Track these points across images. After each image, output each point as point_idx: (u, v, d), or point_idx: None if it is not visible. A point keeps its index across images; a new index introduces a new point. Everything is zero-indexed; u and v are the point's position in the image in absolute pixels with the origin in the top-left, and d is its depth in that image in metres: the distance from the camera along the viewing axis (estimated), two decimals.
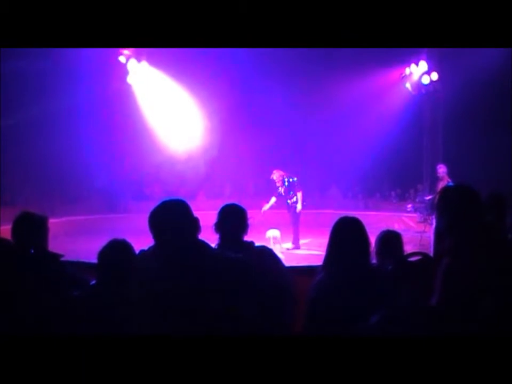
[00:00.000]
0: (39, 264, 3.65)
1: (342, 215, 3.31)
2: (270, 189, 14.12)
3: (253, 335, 2.53)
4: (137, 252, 3.55)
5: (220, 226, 3.57)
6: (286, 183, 11.31)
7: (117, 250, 3.23)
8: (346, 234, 3.17)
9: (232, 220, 3.59)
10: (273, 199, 11.34)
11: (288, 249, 11.17)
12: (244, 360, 2.39)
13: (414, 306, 3.01)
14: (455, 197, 3.07)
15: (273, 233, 10.98)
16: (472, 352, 2.38)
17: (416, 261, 3.94)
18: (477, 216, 3.02)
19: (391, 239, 3.99)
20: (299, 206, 11.24)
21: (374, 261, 3.80)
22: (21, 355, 2.54)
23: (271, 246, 10.38)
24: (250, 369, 2.39)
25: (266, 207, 11.35)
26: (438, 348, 2.38)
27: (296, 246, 11.38)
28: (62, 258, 3.92)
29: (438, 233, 3.87)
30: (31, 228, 3.78)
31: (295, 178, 11.40)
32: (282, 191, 11.35)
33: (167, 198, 2.82)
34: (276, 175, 11.43)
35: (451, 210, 3.05)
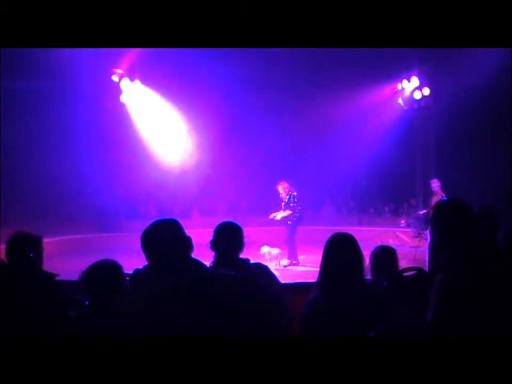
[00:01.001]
0: (33, 284, 3.63)
1: (335, 232, 3.30)
2: (264, 205, 14.10)
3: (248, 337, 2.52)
4: (132, 270, 3.55)
5: (216, 244, 3.57)
6: (288, 197, 11.33)
7: (104, 272, 3.18)
8: (339, 251, 3.15)
9: (228, 238, 3.58)
10: (287, 212, 11.29)
11: (285, 266, 11.07)
12: (237, 363, 2.38)
13: (410, 322, 3.02)
14: (449, 212, 3.09)
15: (267, 249, 10.96)
16: (465, 356, 2.39)
17: (411, 276, 3.94)
18: (470, 230, 3.03)
19: (385, 255, 3.99)
20: (278, 216, 11.35)
21: (368, 276, 3.80)
22: (20, 358, 2.53)
23: (266, 262, 10.44)
24: (243, 372, 2.38)
25: (279, 216, 11.37)
26: (432, 350, 2.39)
27: (291, 262, 11.27)
28: (57, 278, 3.90)
29: (433, 248, 3.87)
30: (26, 247, 3.76)
31: (295, 193, 11.41)
32: (284, 204, 11.39)
33: (159, 218, 2.84)
34: (282, 188, 11.48)
35: (445, 225, 3.07)
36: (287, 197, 11.33)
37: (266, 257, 10.70)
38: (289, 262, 11.27)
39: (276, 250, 11.11)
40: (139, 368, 2.41)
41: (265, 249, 10.94)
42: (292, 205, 11.25)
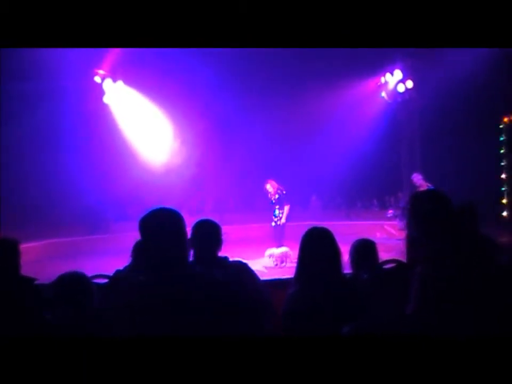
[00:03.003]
0: (11, 289, 3.60)
1: (311, 226, 3.28)
2: (251, 203, 14.09)
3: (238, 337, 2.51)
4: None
5: (194, 242, 3.54)
6: (277, 196, 11.31)
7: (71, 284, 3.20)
8: (315, 245, 3.15)
9: (206, 235, 3.56)
10: (286, 208, 11.22)
11: (276, 264, 10.82)
12: (221, 363, 2.37)
13: (390, 314, 3.01)
14: (425, 203, 3.04)
15: (272, 251, 10.82)
16: (453, 354, 2.38)
17: (390, 269, 3.95)
18: (448, 221, 2.97)
19: (365, 248, 3.99)
20: (283, 219, 11.20)
21: (349, 270, 3.80)
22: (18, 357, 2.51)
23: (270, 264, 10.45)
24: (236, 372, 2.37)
25: (283, 219, 11.23)
26: (415, 346, 2.38)
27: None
28: (38, 282, 3.87)
29: (411, 241, 3.85)
30: (2, 252, 3.73)
31: (284, 192, 11.39)
32: (273, 201, 11.36)
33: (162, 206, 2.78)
34: (271, 187, 11.42)
35: (422, 217, 3.01)
36: (276, 195, 11.32)
37: (272, 259, 10.62)
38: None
39: (279, 251, 10.88)
40: (116, 369, 2.39)
41: (269, 252, 10.82)
42: (277, 206, 11.26)
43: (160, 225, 2.66)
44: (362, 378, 2.42)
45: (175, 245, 2.62)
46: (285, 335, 3.10)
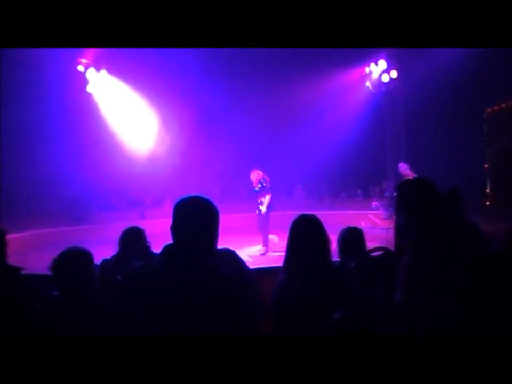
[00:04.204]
0: None
1: (300, 214, 3.30)
2: (236, 193, 14.05)
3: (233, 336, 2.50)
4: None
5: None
6: (260, 185, 11.34)
7: (73, 258, 3.21)
8: (304, 233, 3.15)
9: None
10: (267, 198, 11.28)
11: (262, 254, 11.08)
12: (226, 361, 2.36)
13: (378, 302, 3.03)
14: (412, 191, 3.07)
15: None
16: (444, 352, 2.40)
17: (378, 256, 3.96)
18: (435, 208, 3.00)
19: (352, 236, 4.02)
20: (263, 209, 11.25)
21: (337, 258, 3.82)
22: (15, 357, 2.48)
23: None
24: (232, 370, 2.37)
25: (264, 208, 11.29)
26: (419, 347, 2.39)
27: (266, 249, 11.29)
28: (24, 272, 3.85)
29: (398, 229, 3.87)
30: None
31: (266, 183, 11.39)
32: (256, 190, 11.43)
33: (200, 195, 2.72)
34: (254, 176, 11.47)
35: (409, 204, 3.04)
36: (259, 185, 11.35)
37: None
38: (265, 249, 11.26)
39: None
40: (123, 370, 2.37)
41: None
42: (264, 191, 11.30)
43: (194, 213, 2.60)
44: (358, 378, 2.43)
45: (203, 235, 2.58)
46: (275, 325, 3.10)
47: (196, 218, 2.58)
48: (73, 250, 3.29)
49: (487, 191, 15.08)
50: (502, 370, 2.34)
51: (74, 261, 3.21)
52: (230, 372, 2.34)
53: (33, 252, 9.90)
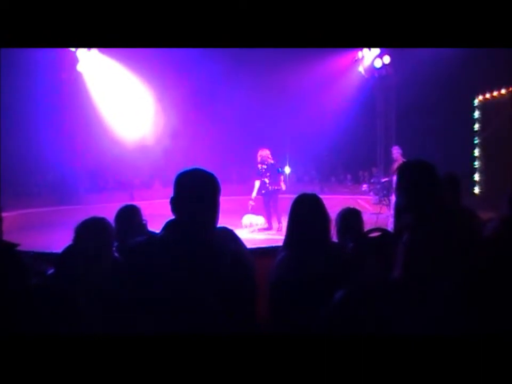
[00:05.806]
0: None
1: (301, 192, 3.29)
2: (228, 176, 13.97)
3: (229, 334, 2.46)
4: None
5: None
6: (265, 166, 11.49)
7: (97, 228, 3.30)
8: (305, 211, 3.14)
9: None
10: (257, 184, 11.46)
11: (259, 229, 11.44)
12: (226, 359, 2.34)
13: (377, 281, 3.04)
14: (415, 174, 3.08)
15: (250, 219, 11.44)
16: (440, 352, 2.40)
17: (376, 237, 3.97)
18: (434, 189, 3.03)
19: (351, 216, 4.03)
20: (253, 194, 11.52)
21: (335, 239, 3.82)
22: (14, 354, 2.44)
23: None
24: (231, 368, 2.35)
25: (254, 194, 11.50)
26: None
27: (268, 226, 11.57)
28: (18, 248, 3.81)
29: (398, 210, 3.90)
30: None
31: (272, 162, 11.67)
32: (263, 170, 11.54)
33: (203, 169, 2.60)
34: (259, 156, 11.64)
35: (411, 186, 3.05)
36: (264, 166, 11.51)
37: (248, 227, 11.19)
38: (267, 225, 11.55)
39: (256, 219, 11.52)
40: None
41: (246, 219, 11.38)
42: (267, 174, 11.48)
43: (195, 186, 2.51)
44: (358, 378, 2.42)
45: (207, 210, 2.51)
46: (272, 306, 3.08)
47: (199, 191, 2.49)
48: (98, 219, 3.36)
49: (476, 178, 15.15)
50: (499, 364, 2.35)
51: (98, 227, 3.31)
52: (230, 371, 2.33)
53: (19, 232, 9.84)
